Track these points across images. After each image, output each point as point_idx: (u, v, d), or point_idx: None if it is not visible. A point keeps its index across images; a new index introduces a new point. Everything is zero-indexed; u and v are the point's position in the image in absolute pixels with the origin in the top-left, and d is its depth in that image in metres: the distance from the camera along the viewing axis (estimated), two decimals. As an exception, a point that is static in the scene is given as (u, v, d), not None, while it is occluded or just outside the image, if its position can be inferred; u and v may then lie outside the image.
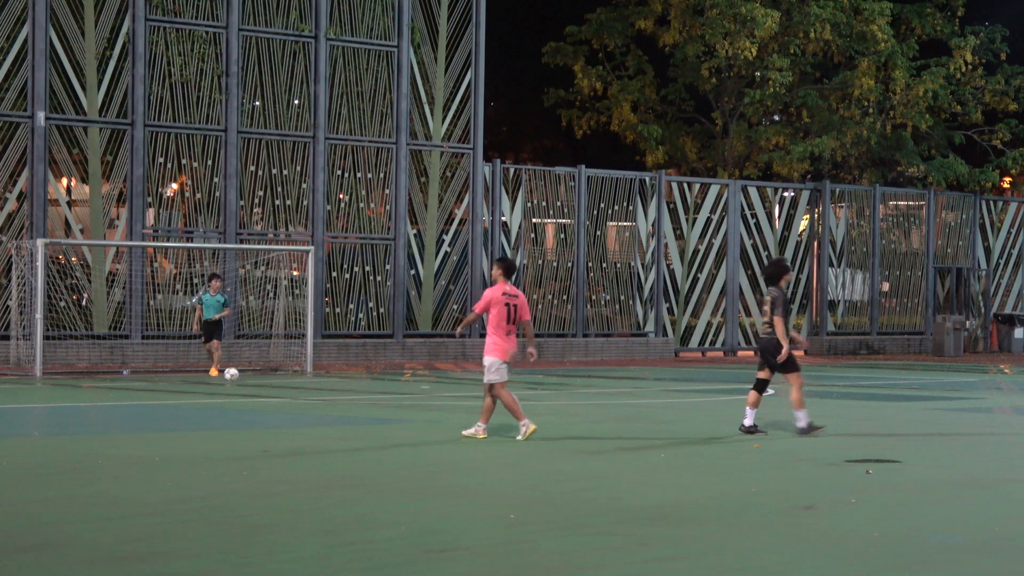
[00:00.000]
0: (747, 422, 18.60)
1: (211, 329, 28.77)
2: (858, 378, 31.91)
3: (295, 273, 33.61)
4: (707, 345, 39.88)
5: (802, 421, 18.61)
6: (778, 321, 18.41)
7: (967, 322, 43.63)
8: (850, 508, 12.69)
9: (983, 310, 44.99)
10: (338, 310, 34.48)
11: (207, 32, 32.98)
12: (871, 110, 45.50)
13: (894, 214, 45.43)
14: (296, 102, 34.09)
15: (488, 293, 17.83)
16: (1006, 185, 53.58)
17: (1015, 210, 46.83)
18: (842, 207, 43.22)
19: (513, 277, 18.24)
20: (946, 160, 46.55)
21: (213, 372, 28.65)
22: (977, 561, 10.35)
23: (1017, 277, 46.39)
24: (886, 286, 43.77)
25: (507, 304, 17.57)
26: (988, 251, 45.79)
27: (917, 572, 9.95)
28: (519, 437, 17.57)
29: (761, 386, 18.76)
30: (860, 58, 44.83)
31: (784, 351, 18.33)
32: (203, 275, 32.51)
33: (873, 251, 43.29)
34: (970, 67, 46.47)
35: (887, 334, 43.40)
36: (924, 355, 42.25)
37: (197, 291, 31.32)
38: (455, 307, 35.94)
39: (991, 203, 46.35)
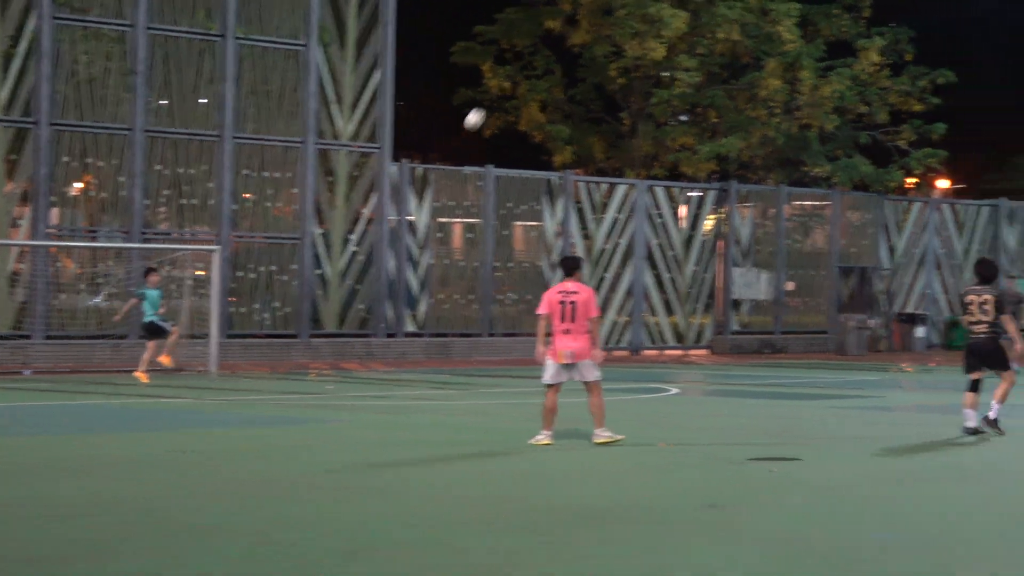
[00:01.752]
0: (970, 424, 19.07)
1: (156, 329, 28.25)
2: (762, 377, 32.44)
3: (200, 273, 33.77)
4: (613, 344, 40.41)
5: (993, 412, 19.22)
6: (1009, 320, 19.17)
7: (870, 321, 44.26)
8: (760, 507, 13.01)
9: (886, 309, 45.73)
10: (243, 310, 34.74)
11: (114, 30, 33.16)
12: (778, 110, 46.01)
13: (799, 214, 46.19)
14: (203, 101, 34.30)
15: (544, 294, 17.91)
16: (910, 185, 54.33)
17: (919, 210, 47.60)
18: (748, 207, 43.92)
19: (579, 274, 17.85)
20: (851, 160, 47.22)
21: (167, 361, 27.99)
22: (904, 558, 10.66)
23: (920, 277, 47.19)
24: (791, 285, 44.39)
25: (562, 302, 17.38)
26: (892, 251, 46.56)
27: (848, 571, 10.22)
28: (531, 440, 17.62)
29: (976, 387, 19.26)
30: (767, 59, 45.37)
31: (1020, 349, 19.02)
32: (107, 275, 32.70)
33: (778, 251, 44.02)
34: (876, 68, 47.12)
35: (791, 333, 44.06)
36: (827, 354, 42.77)
37: (101, 290, 31.45)
38: (361, 307, 36.29)
39: (895, 203, 47.19)
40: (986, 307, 19.14)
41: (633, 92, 45.98)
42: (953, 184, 69.39)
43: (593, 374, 17.47)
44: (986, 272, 19.58)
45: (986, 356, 19.27)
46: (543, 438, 17.49)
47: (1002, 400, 19.30)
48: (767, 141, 46.12)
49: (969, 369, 19.35)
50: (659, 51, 42.74)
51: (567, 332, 17.34)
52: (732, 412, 22.94)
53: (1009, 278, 36.28)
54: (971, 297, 19.31)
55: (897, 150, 48.27)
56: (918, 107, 47.78)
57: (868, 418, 22.59)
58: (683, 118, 47.34)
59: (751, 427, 20.36)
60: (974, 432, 18.98)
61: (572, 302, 17.28)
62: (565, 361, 17.37)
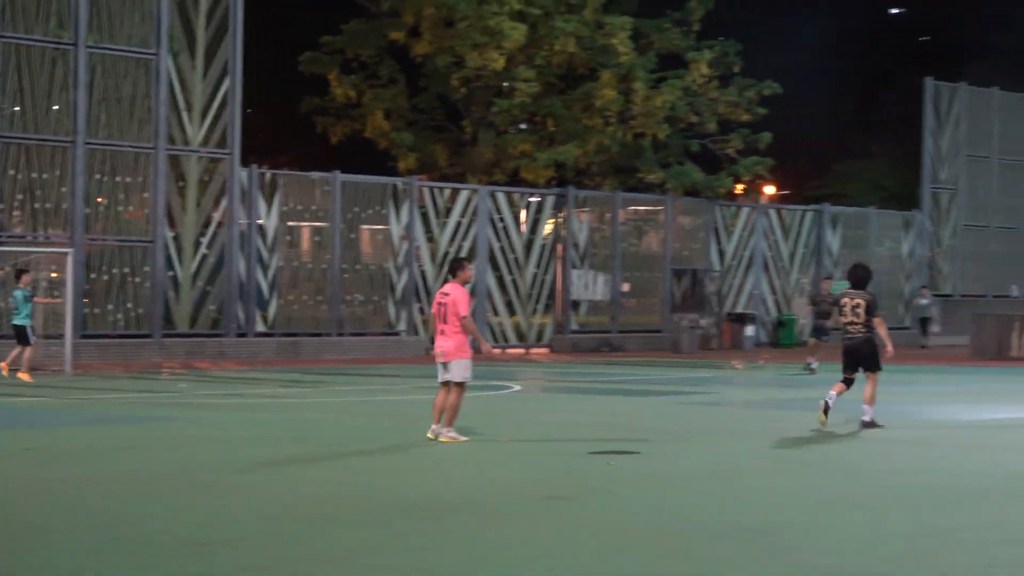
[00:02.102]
0: (866, 418, 19.59)
1: (24, 334, 27.92)
2: (601, 374, 32.65)
3: (54, 275, 33.46)
4: (457, 343, 40.64)
5: (867, 415, 19.63)
6: (880, 322, 19.73)
7: (702, 320, 44.79)
8: (598, 498, 13.13)
9: (717, 309, 46.41)
10: (97, 311, 34.46)
11: (-34, 38, 32.74)
12: (613, 119, 46.37)
13: (634, 218, 46.76)
14: (56, 108, 33.99)
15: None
16: (739, 191, 55.08)
17: (747, 215, 48.32)
18: (585, 212, 44.38)
19: (464, 275, 17.72)
20: (683, 168, 47.67)
21: (26, 377, 27.75)
22: (721, 547, 10.81)
23: (748, 278, 47.93)
24: (627, 286, 44.88)
25: (439, 304, 17.49)
26: (722, 254, 47.23)
27: (669, 559, 10.35)
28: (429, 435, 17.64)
29: (849, 383, 19.82)
30: (602, 70, 45.75)
31: (891, 351, 19.60)
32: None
33: (614, 253, 44.52)
34: (706, 80, 47.60)
35: (627, 332, 44.50)
36: (662, 352, 43.04)
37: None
38: (213, 308, 36.16)
39: (725, 208, 47.96)
40: (858, 310, 19.72)
41: (474, 101, 46.18)
42: (779, 190, 70.46)
43: (458, 375, 17.46)
44: (857, 277, 20.15)
45: (859, 356, 19.83)
46: (442, 431, 17.62)
47: (871, 401, 19.77)
48: (603, 149, 46.48)
49: (846, 369, 19.99)
50: (499, 62, 43.05)
51: (442, 333, 17.47)
52: (572, 408, 23.15)
53: (825, 279, 37.00)
54: (845, 300, 19.89)
55: (726, 158, 48.76)
56: (746, 117, 48.32)
57: (702, 413, 22.89)
58: (522, 126, 47.54)
59: (591, 422, 20.53)
60: (870, 425, 19.59)
61: (444, 304, 17.36)
62: (439, 360, 17.48)
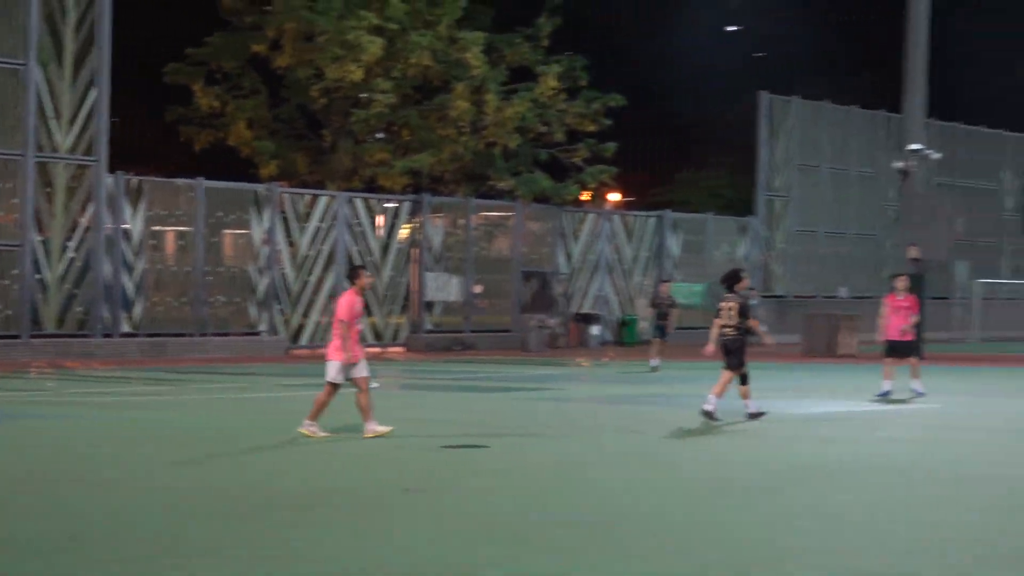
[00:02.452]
0: (707, 407, 20.20)
1: None
2: (454, 372, 32.88)
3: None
4: (317, 343, 40.83)
5: (709, 404, 20.24)
6: (755, 322, 20.54)
7: (550, 321, 45.19)
8: (451, 491, 13.33)
9: (564, 310, 46.87)
10: (-34, 313, 34.22)
11: None
12: (466, 129, 46.49)
13: (486, 223, 47.19)
14: (-75, 115, 33.67)
15: None
16: (585, 198, 55.61)
17: (593, 221, 48.98)
18: (439, 217, 44.76)
19: (361, 282, 17.85)
20: (532, 175, 47.94)
21: None
22: (567, 536, 11.04)
23: (594, 280, 48.55)
24: (479, 288, 45.27)
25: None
26: (569, 257, 47.79)
27: (519, 548, 10.50)
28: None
29: (745, 379, 20.45)
30: (456, 83, 45.94)
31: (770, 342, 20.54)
32: None
33: (467, 257, 44.92)
34: (554, 92, 47.84)
35: (480, 332, 44.86)
36: (512, 350, 43.33)
37: None
38: (80, 309, 36.02)
39: (571, 214, 48.55)
40: (731, 312, 20.56)
41: (334, 111, 46.22)
42: (623, 197, 71.36)
43: (327, 374, 17.66)
44: (727, 282, 20.96)
45: (729, 352, 20.55)
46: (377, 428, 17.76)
47: (719, 394, 20.40)
48: (456, 157, 46.67)
49: (729, 366, 20.63)
50: (357, 74, 43.19)
51: (333, 336, 17.72)
52: (427, 405, 23.38)
53: (663, 282, 37.73)
54: (722, 304, 20.75)
55: (573, 166, 48.95)
56: (591, 127, 48.52)
57: (551, 408, 23.14)
58: (380, 135, 47.54)
59: (444, 418, 20.73)
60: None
61: (335, 308, 17.66)
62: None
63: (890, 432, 19.94)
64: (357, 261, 41.27)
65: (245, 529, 11.20)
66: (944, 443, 18.68)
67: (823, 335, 42.87)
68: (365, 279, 18.15)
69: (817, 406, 23.76)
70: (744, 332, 20.66)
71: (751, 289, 49.79)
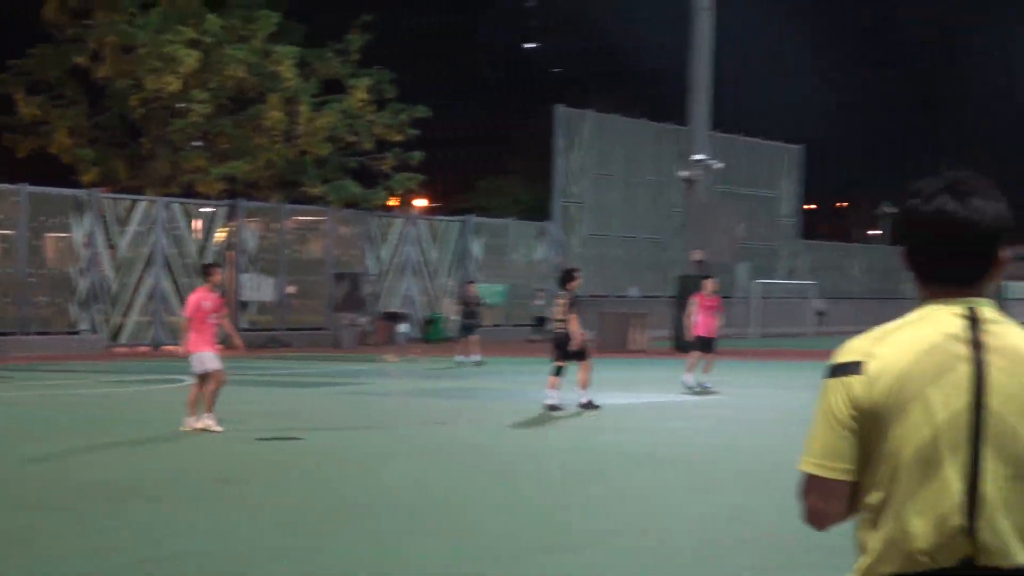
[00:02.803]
0: (549, 401, 20.66)
1: None
2: (269, 369, 33.00)
3: None
4: (136, 341, 40.83)
5: (553, 399, 20.77)
6: (573, 318, 20.67)
7: (360, 319, 45.60)
8: (266, 480, 13.40)
9: (373, 309, 47.28)
10: None
11: None
12: (279, 138, 46.59)
13: (299, 227, 47.51)
14: None
15: None
16: (393, 204, 56.05)
17: (400, 225, 49.42)
18: (254, 221, 44.99)
19: (212, 280, 18.05)
20: (342, 182, 48.07)
21: None
22: (380, 521, 11.27)
23: (401, 281, 48.98)
24: (292, 289, 45.53)
25: None
26: (378, 259, 48.21)
27: (333, 534, 10.67)
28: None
29: (559, 371, 20.81)
30: (270, 94, 46.13)
31: (579, 341, 20.63)
32: None
33: (281, 259, 45.16)
34: (363, 103, 48.17)
35: (294, 330, 44.97)
36: (326, 348, 43.46)
37: None
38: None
39: (380, 219, 49.04)
40: (563, 308, 21.22)
41: (152, 120, 45.97)
42: (429, 203, 72.11)
43: (192, 368, 17.80)
44: (561, 280, 21.83)
45: (559, 345, 21.22)
46: (195, 422, 17.77)
47: (584, 386, 21.07)
48: (270, 164, 46.68)
49: (556, 358, 21.29)
50: (175, 85, 43.11)
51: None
52: (244, 399, 23.48)
53: (467, 283, 38.54)
54: (556, 300, 21.46)
55: (381, 174, 49.23)
56: (399, 137, 48.75)
57: (360, 402, 23.34)
58: (197, 144, 47.27)
59: (260, 412, 20.74)
60: (553, 408, 20.75)
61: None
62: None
63: (682, 423, 20.32)
64: (176, 264, 41.38)
65: (58, 519, 11.13)
66: (727, 432, 19.15)
67: (616, 332, 43.83)
68: (217, 276, 18.29)
69: (613, 398, 23.98)
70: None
71: (539, 290, 50.98)
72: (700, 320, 26.51)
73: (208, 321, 17.79)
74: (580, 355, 21.32)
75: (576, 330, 21.17)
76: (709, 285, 27.01)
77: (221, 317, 18.22)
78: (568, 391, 21.82)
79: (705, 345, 26.45)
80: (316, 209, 47.35)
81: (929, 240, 3.34)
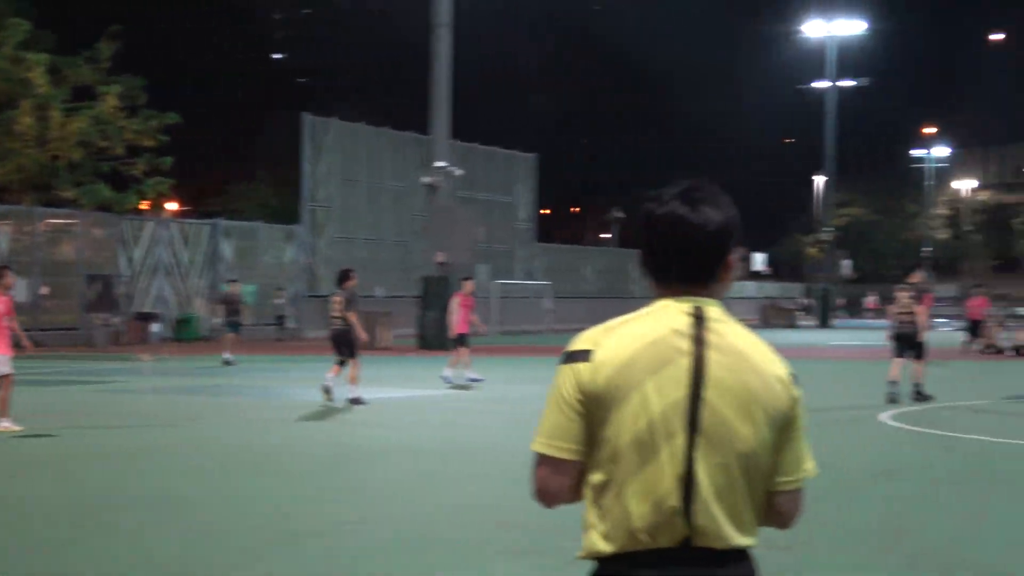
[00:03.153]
0: (351, 395, 20.88)
1: None
2: (26, 368, 32.20)
3: None
4: None
5: (354, 393, 20.94)
6: (352, 315, 20.82)
7: (113, 319, 44.75)
8: (15, 478, 13.14)
9: (126, 309, 46.39)
10: None
11: None
12: (31, 143, 45.62)
13: (52, 230, 46.46)
14: None
15: None
16: (144, 207, 55.33)
17: (152, 228, 48.61)
18: (7, 224, 43.84)
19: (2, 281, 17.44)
20: (95, 186, 47.34)
21: None
22: (130, 515, 11.08)
23: (154, 282, 48.22)
24: (46, 290, 44.47)
25: None
26: (130, 260, 47.39)
27: (85, 529, 10.46)
28: None
29: (345, 364, 20.92)
30: (22, 100, 45.32)
31: (363, 338, 20.88)
32: None
33: (34, 261, 44.07)
34: (115, 110, 47.46)
35: (48, 330, 43.79)
36: (80, 347, 42.58)
37: None
38: None
39: (132, 222, 48.22)
40: (338, 306, 21.25)
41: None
42: (180, 206, 71.29)
43: None
44: (337, 280, 21.86)
45: (339, 341, 21.30)
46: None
47: (354, 381, 21.17)
48: (22, 168, 45.86)
49: (337, 353, 21.41)
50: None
51: None
52: None
53: (231, 281, 38.33)
54: (332, 299, 21.50)
55: (133, 178, 48.67)
56: (150, 142, 48.31)
57: (114, 399, 22.95)
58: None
59: (18, 410, 19.47)
60: (328, 391, 21.09)
61: None
62: None
63: (452, 415, 20.43)
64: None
65: None
66: (470, 425, 19.37)
67: (363, 330, 44.13)
68: (10, 279, 17.80)
69: (370, 393, 23.79)
70: (347, 323, 21.39)
71: (279, 289, 50.96)
72: (462, 317, 27.04)
73: (2, 323, 17.26)
74: (349, 351, 21.51)
75: (357, 324, 21.39)
76: (468, 286, 27.60)
77: (12, 320, 17.66)
78: (338, 388, 21.94)
79: (467, 341, 27.05)
80: (68, 212, 46.40)
81: (661, 241, 3.44)
